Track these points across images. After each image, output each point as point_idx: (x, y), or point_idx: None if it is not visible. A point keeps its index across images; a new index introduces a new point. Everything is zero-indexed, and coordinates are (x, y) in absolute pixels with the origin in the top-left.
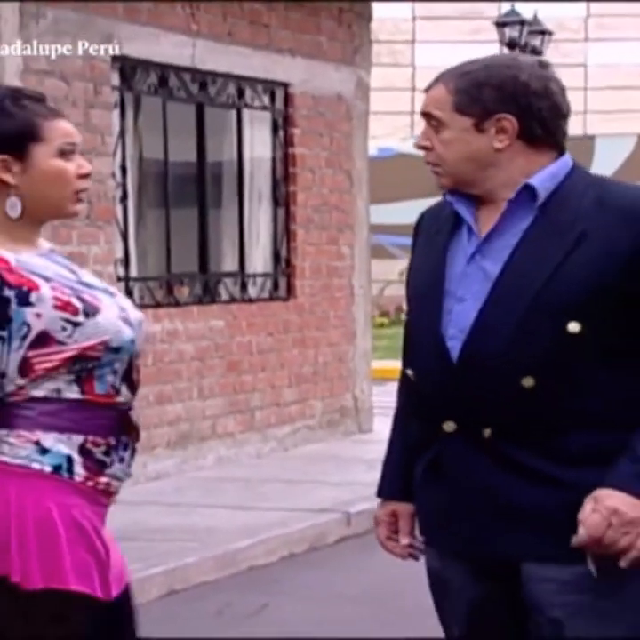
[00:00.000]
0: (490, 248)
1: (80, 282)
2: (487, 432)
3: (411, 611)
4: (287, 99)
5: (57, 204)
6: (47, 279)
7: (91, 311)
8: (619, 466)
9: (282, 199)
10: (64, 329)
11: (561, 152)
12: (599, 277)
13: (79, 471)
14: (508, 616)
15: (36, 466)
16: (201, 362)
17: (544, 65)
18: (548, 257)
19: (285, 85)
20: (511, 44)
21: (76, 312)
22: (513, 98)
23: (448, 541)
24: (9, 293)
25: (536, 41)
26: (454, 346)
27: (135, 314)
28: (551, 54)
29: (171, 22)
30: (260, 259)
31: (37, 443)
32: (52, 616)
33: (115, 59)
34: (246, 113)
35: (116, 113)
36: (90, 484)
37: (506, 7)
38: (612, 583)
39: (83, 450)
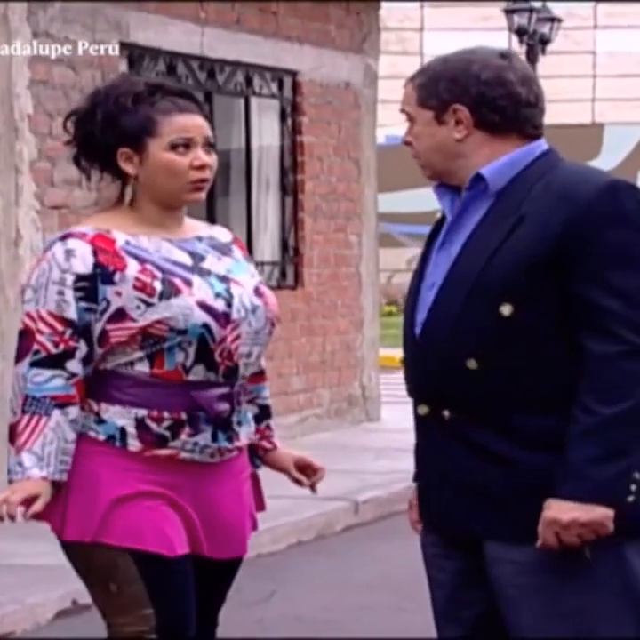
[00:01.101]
0: (456, 235)
1: (193, 267)
2: (447, 414)
3: (417, 598)
4: (295, 87)
5: (171, 192)
6: (142, 261)
7: (168, 294)
8: (556, 472)
9: (290, 188)
10: (138, 308)
11: (534, 140)
12: (531, 259)
13: (133, 442)
14: (484, 588)
15: (91, 434)
16: None
17: (505, 56)
18: (491, 242)
19: (294, 73)
20: (520, 32)
21: (152, 294)
22: (465, 88)
23: (429, 518)
24: (96, 271)
25: (545, 28)
26: (419, 331)
27: (247, 301)
28: (560, 42)
29: (179, 10)
30: (267, 247)
31: (97, 413)
32: (90, 567)
33: (123, 46)
34: (254, 101)
35: None
36: (147, 454)
37: None
38: (567, 566)
39: (140, 424)
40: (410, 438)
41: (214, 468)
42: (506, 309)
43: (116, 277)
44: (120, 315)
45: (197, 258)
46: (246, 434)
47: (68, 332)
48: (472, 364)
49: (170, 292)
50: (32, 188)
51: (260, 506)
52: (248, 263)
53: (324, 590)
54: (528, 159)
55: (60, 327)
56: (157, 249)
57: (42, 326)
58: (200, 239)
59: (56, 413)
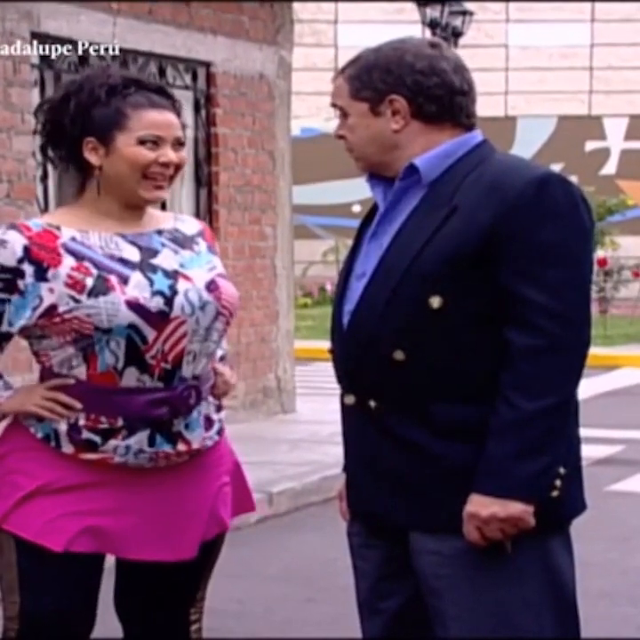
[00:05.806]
0: (388, 225)
1: (138, 264)
2: (372, 404)
3: (331, 589)
4: (209, 78)
5: (131, 187)
6: (81, 258)
7: (98, 291)
8: (477, 468)
9: (204, 179)
10: (67, 303)
11: (468, 130)
12: (460, 251)
13: (66, 445)
14: (408, 579)
15: (32, 430)
16: None
17: (435, 45)
18: (422, 233)
19: (207, 65)
20: (433, 25)
21: (81, 291)
22: (400, 78)
23: (355, 507)
24: (27, 268)
25: (457, 21)
26: (346, 321)
27: (194, 297)
28: (473, 35)
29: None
30: None
31: None
32: None
33: (34, 36)
34: None
35: (35, 91)
36: (80, 457)
37: None
38: (491, 558)
39: (73, 428)
40: (325, 430)
41: (161, 473)
42: (435, 301)
43: (49, 274)
44: (51, 311)
45: (149, 253)
46: (199, 438)
47: None
48: (399, 355)
49: (100, 289)
50: None
51: (246, 506)
52: (212, 255)
53: (238, 581)
54: (462, 150)
55: None
56: (105, 245)
57: None
58: (160, 232)
59: None
